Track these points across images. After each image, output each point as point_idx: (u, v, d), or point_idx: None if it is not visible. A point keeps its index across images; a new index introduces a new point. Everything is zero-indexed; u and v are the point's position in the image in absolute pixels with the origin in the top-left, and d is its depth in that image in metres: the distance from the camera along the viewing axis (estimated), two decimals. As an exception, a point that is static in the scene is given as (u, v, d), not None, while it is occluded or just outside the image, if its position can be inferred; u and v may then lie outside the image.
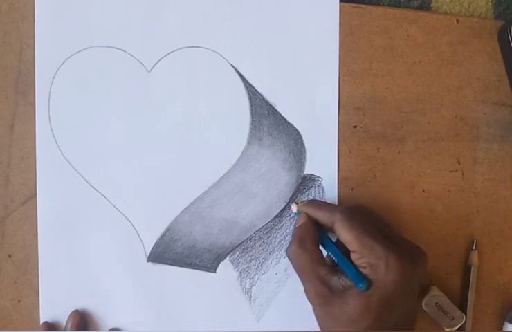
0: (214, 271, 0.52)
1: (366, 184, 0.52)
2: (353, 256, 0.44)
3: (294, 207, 0.50)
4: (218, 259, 0.52)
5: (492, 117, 0.52)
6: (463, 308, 0.52)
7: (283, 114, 0.52)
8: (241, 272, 0.52)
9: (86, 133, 0.52)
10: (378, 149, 0.52)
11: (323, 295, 0.44)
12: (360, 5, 0.52)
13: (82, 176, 0.52)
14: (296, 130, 0.52)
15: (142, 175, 0.52)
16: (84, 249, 0.52)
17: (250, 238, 0.52)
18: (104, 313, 0.52)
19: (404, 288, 0.43)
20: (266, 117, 0.52)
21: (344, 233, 0.44)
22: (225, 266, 0.52)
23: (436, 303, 0.51)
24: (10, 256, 0.52)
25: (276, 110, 0.52)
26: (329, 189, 0.52)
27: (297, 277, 0.47)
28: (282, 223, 0.52)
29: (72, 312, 0.51)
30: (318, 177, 0.52)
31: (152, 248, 0.52)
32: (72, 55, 0.51)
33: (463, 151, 0.52)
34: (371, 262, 0.43)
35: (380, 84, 0.52)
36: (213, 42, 0.52)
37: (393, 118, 0.52)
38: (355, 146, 0.52)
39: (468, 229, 0.53)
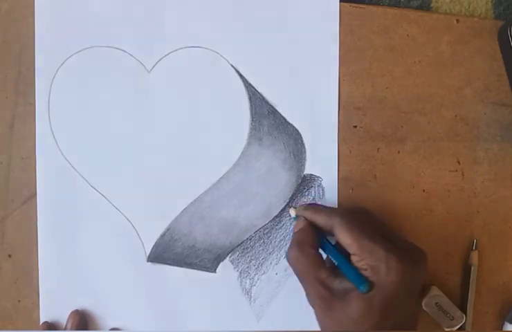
0: (214, 271, 0.52)
1: (366, 184, 0.52)
2: (353, 258, 0.44)
3: (292, 212, 0.50)
4: (218, 259, 0.52)
5: (492, 117, 0.52)
6: (463, 308, 0.52)
7: (283, 114, 0.52)
8: (241, 272, 0.52)
9: (86, 133, 0.52)
10: (378, 149, 0.52)
11: (324, 298, 0.44)
12: (360, 5, 0.52)
13: (82, 176, 0.52)
14: (296, 130, 0.52)
15: (142, 175, 0.52)
16: (84, 249, 0.52)
17: (250, 238, 0.52)
18: (104, 313, 0.52)
19: (405, 288, 0.43)
20: (266, 117, 0.52)
21: (344, 236, 0.44)
22: (225, 266, 0.52)
23: (436, 303, 0.51)
24: (10, 256, 0.52)
25: (276, 110, 0.52)
26: (329, 189, 0.52)
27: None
28: (282, 223, 0.52)
29: (72, 312, 0.51)
30: (318, 177, 0.52)
31: (152, 248, 0.52)
32: (72, 55, 0.51)
33: (463, 151, 0.52)
34: (371, 264, 0.43)
35: (380, 84, 0.52)
36: (213, 42, 0.52)
37: (393, 118, 0.52)
38: (355, 146, 0.52)
39: (468, 229, 0.53)
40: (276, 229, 0.52)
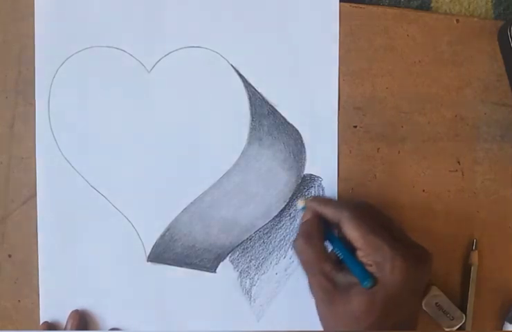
0: (214, 271, 0.52)
1: (366, 184, 0.52)
2: (359, 253, 0.44)
3: (301, 203, 0.49)
4: (218, 259, 0.52)
5: (492, 117, 0.52)
6: (463, 308, 0.52)
7: (283, 114, 0.52)
8: (241, 272, 0.52)
9: (86, 133, 0.52)
10: (378, 149, 0.52)
11: (327, 291, 0.44)
12: (360, 5, 0.52)
13: (82, 176, 0.52)
14: (296, 130, 0.52)
15: (142, 175, 0.52)
16: (84, 249, 0.52)
17: (250, 238, 0.52)
18: (104, 313, 0.52)
19: (409, 288, 0.43)
20: (266, 117, 0.52)
21: (351, 230, 0.44)
22: (225, 266, 0.52)
23: (436, 303, 0.51)
24: (10, 256, 0.52)
25: (276, 110, 0.52)
26: (329, 189, 0.52)
27: (297, 276, 0.47)
28: (282, 223, 0.52)
29: (72, 312, 0.51)
30: (318, 177, 0.52)
31: (152, 248, 0.52)
32: (72, 55, 0.51)
33: (463, 151, 0.52)
34: (376, 260, 0.43)
35: (380, 84, 0.52)
36: (213, 42, 0.52)
37: (393, 118, 0.52)
38: (355, 146, 0.52)
39: (468, 229, 0.53)
40: (276, 229, 0.52)
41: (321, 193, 0.52)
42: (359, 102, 0.52)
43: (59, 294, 0.52)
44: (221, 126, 0.52)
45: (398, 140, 0.52)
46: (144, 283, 0.52)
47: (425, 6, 0.53)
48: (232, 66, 0.52)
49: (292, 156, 0.52)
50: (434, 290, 0.51)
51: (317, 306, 0.45)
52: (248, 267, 0.52)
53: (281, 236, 0.52)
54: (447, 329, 0.52)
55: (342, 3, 0.52)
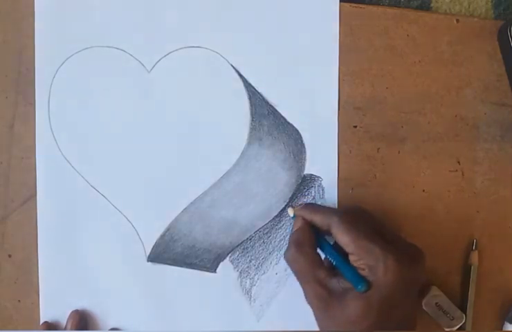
0: (214, 271, 0.52)
1: (366, 184, 0.52)
2: (351, 258, 0.44)
3: (290, 212, 0.50)
4: (218, 259, 0.52)
5: (492, 117, 0.52)
6: (463, 308, 0.52)
7: (283, 114, 0.52)
8: (241, 272, 0.52)
9: (86, 133, 0.52)
10: (378, 149, 0.52)
11: (322, 298, 0.44)
12: (360, 5, 0.52)
13: (82, 176, 0.52)
14: (296, 130, 0.52)
15: (142, 175, 0.52)
16: (84, 249, 0.52)
17: (250, 238, 0.52)
18: (104, 313, 0.52)
19: (403, 288, 0.43)
20: (266, 117, 0.52)
21: (341, 236, 0.44)
22: (225, 266, 0.52)
23: (436, 303, 0.51)
24: (10, 256, 0.52)
25: (276, 110, 0.52)
26: (329, 189, 0.52)
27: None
28: (282, 223, 0.52)
29: (72, 312, 0.51)
30: (318, 177, 0.52)
31: (152, 248, 0.52)
32: (72, 55, 0.51)
33: (463, 151, 0.52)
34: (369, 264, 0.43)
35: (380, 84, 0.52)
36: (213, 42, 0.52)
37: (393, 118, 0.52)
38: (355, 146, 0.52)
39: (468, 229, 0.53)
40: (276, 229, 0.52)
41: (321, 193, 0.52)
42: (359, 102, 0.52)
43: (59, 294, 0.52)
44: (221, 126, 0.52)
45: (398, 140, 0.52)
46: (144, 283, 0.52)
47: (425, 6, 0.53)
48: (232, 66, 0.52)
49: (292, 156, 0.52)
50: (434, 290, 0.51)
51: (314, 314, 0.45)
52: (248, 267, 0.52)
53: (281, 236, 0.52)
54: (447, 329, 0.52)
55: (342, 3, 0.52)
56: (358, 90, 0.52)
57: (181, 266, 0.52)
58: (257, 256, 0.52)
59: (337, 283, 0.44)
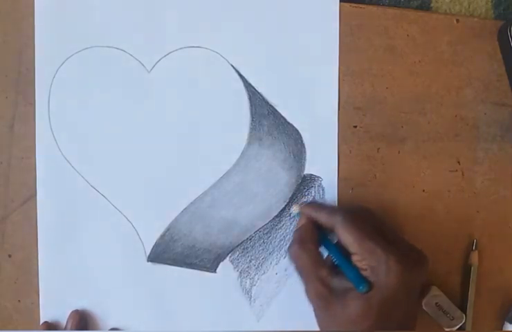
0: (214, 271, 0.52)
1: (366, 184, 0.52)
2: (354, 258, 0.44)
3: (295, 209, 0.50)
4: (218, 259, 0.52)
5: (492, 117, 0.52)
6: (463, 308, 0.52)
7: (283, 114, 0.52)
8: (241, 272, 0.52)
9: (86, 133, 0.52)
10: (378, 149, 0.52)
11: (323, 296, 0.44)
12: (360, 5, 0.52)
13: (82, 176, 0.52)
14: (296, 130, 0.52)
15: (142, 175, 0.52)
16: (84, 249, 0.52)
17: (250, 238, 0.52)
18: (104, 313, 0.52)
19: (404, 291, 0.43)
20: (266, 117, 0.52)
21: (345, 235, 0.44)
22: (225, 266, 0.52)
23: (436, 303, 0.51)
24: (10, 256, 0.52)
25: (276, 110, 0.52)
26: (329, 189, 0.52)
27: (297, 276, 0.47)
28: (282, 223, 0.52)
29: (72, 312, 0.51)
30: (318, 177, 0.52)
31: (152, 248, 0.52)
32: (72, 55, 0.51)
33: (463, 151, 0.52)
34: (371, 265, 0.43)
35: (380, 84, 0.52)
36: (213, 42, 0.52)
37: (393, 118, 0.52)
38: (355, 146, 0.52)
39: (468, 229, 0.53)
40: (276, 229, 0.52)
41: (321, 193, 0.52)
42: (359, 102, 0.52)
43: (59, 294, 0.52)
44: (221, 126, 0.52)
45: (398, 140, 0.52)
46: (144, 283, 0.52)
47: (425, 6, 0.53)
48: (232, 66, 0.52)
49: (292, 156, 0.52)
50: (434, 290, 0.51)
51: (314, 312, 0.45)
52: (248, 267, 0.52)
53: (281, 236, 0.52)
54: (447, 329, 0.52)
55: (342, 3, 0.52)
56: (358, 90, 0.52)
57: (181, 266, 0.52)
58: (257, 256, 0.52)
59: (338, 283, 0.44)
